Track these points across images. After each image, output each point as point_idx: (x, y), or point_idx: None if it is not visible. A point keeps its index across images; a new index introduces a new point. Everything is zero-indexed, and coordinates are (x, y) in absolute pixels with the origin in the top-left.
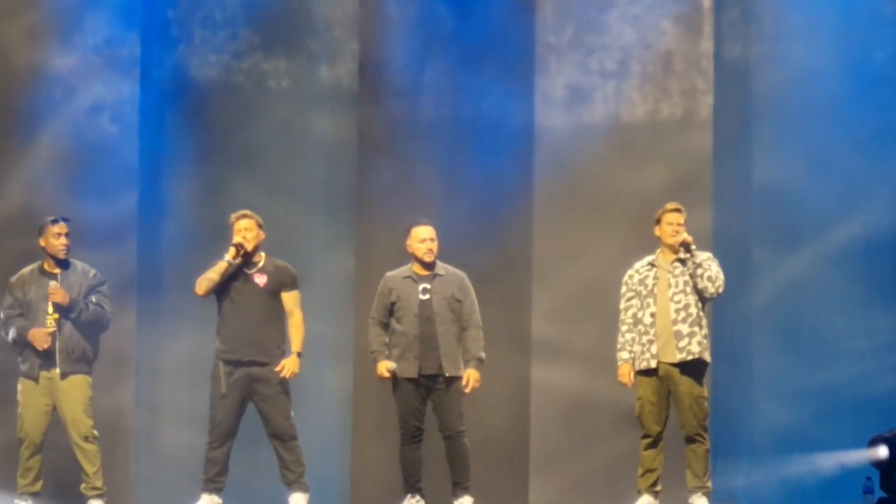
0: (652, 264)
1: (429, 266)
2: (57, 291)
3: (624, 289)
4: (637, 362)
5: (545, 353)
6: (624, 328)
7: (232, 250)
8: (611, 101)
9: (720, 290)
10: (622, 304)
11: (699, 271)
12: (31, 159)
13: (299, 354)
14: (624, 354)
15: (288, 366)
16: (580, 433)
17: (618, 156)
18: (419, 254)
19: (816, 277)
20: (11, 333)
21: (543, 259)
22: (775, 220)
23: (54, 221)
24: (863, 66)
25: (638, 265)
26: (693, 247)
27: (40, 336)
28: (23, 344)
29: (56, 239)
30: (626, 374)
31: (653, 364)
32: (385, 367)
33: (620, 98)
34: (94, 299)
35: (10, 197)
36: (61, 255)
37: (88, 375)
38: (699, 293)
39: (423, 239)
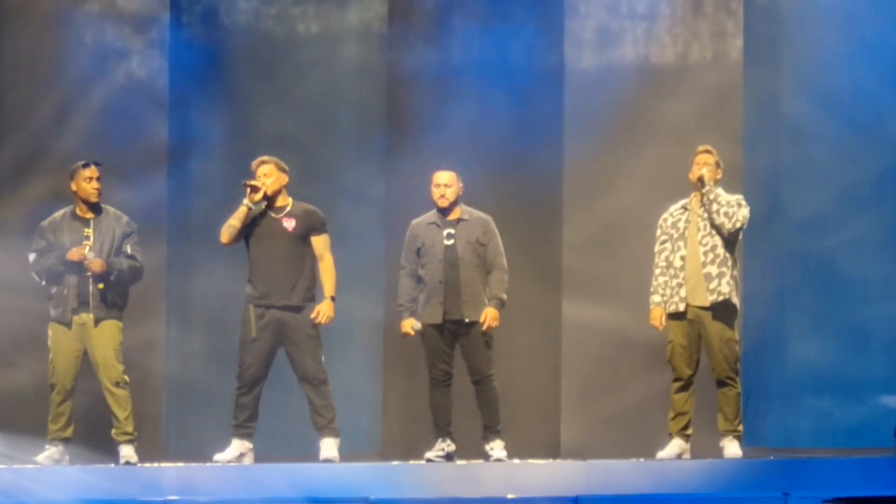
0: (685, 207)
1: (443, 212)
2: (93, 262)
3: (658, 232)
4: (667, 305)
5: (576, 290)
6: (657, 271)
7: (248, 191)
8: (641, 44)
9: (737, 225)
10: (656, 248)
11: (714, 207)
12: (59, 102)
13: (332, 298)
14: (656, 298)
15: (323, 311)
16: (612, 371)
17: (647, 98)
18: (433, 198)
19: (846, 216)
20: (51, 260)
21: (573, 200)
22: (804, 159)
23: (85, 165)
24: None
25: (672, 208)
26: (709, 182)
27: (76, 253)
28: (59, 272)
29: (87, 183)
30: (657, 317)
31: (681, 307)
32: (409, 325)
33: (650, 40)
34: (128, 249)
35: (38, 139)
36: (93, 199)
37: (120, 321)
38: (717, 230)
39: (437, 184)
